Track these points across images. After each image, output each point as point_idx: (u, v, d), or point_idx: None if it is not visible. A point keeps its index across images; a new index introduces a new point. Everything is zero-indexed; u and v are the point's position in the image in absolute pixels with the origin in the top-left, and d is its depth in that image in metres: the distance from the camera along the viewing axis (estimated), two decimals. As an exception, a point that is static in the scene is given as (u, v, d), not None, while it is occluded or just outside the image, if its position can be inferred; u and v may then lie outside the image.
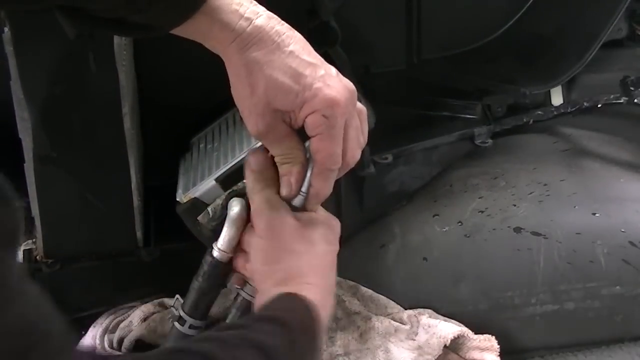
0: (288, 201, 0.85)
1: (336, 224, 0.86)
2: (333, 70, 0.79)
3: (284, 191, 0.83)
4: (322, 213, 0.87)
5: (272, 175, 0.85)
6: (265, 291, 0.81)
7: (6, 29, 0.89)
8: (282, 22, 0.78)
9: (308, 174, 0.83)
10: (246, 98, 0.78)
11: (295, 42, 0.77)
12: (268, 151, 0.86)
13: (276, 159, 0.83)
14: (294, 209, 0.86)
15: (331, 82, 0.77)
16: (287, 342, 0.70)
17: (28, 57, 0.91)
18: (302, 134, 0.81)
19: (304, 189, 0.83)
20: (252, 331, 0.70)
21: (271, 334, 0.70)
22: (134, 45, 0.97)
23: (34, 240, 1.08)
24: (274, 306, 0.77)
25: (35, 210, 1.02)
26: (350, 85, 0.79)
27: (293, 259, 0.82)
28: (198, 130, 1.12)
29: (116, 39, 0.92)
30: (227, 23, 0.75)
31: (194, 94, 1.13)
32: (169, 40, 0.97)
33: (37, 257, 1.07)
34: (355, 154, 0.83)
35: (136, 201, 1.04)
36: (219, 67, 1.02)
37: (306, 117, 0.77)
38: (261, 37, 0.76)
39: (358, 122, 0.82)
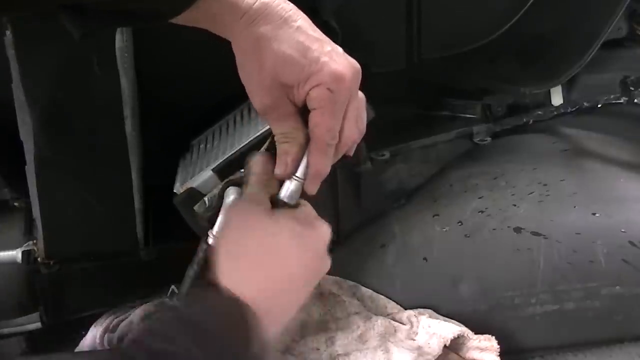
0: (281, 191, 0.85)
1: (321, 232, 0.83)
2: (338, 48, 0.80)
3: (278, 170, 0.83)
4: (311, 214, 0.86)
5: (272, 181, 0.85)
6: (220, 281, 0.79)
7: (8, 32, 0.89)
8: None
9: (305, 158, 0.83)
10: (254, 73, 0.79)
11: (302, 19, 0.78)
12: (269, 156, 0.86)
13: (276, 138, 0.83)
14: (289, 204, 0.86)
15: (337, 58, 0.78)
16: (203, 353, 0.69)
17: (30, 61, 0.91)
18: (305, 118, 0.82)
19: (299, 173, 0.84)
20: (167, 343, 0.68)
21: (187, 345, 0.68)
22: (134, 46, 0.97)
23: (34, 241, 1.08)
24: (205, 307, 0.75)
25: (36, 212, 1.02)
26: (355, 63, 0.80)
27: (253, 260, 0.80)
28: (198, 131, 1.12)
29: (118, 43, 0.92)
30: (233, 2, 0.76)
31: (194, 95, 1.14)
32: (169, 40, 0.97)
33: (38, 259, 1.07)
34: (352, 134, 0.83)
35: (137, 203, 1.04)
36: (219, 68, 1.02)
37: (310, 89, 0.78)
38: (268, 13, 0.76)
39: (358, 103, 0.82)
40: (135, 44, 0.96)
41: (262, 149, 0.90)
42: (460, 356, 0.97)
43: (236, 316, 0.74)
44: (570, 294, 1.05)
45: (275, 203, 0.85)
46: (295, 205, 0.85)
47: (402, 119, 1.30)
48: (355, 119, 0.82)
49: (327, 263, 0.84)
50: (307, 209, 0.85)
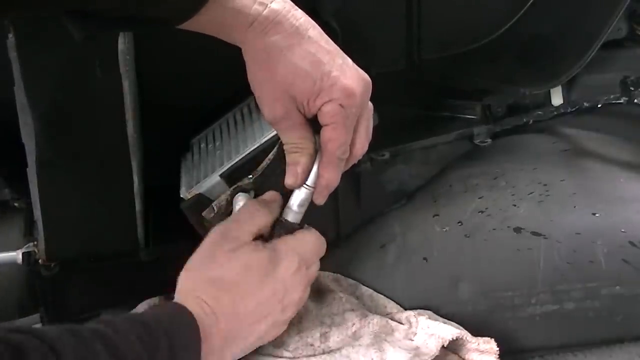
0: (291, 199, 0.86)
1: (307, 260, 0.86)
2: (349, 60, 0.80)
3: (289, 180, 0.84)
4: (307, 239, 0.87)
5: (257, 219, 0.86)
6: (179, 289, 0.82)
7: (10, 35, 0.89)
8: (296, 7, 0.78)
9: (315, 167, 0.83)
10: (264, 83, 0.79)
11: (313, 28, 0.78)
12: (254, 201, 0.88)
13: (286, 148, 0.83)
14: (296, 215, 0.86)
15: (349, 72, 0.78)
16: (143, 348, 0.69)
17: (31, 63, 0.91)
18: (314, 126, 0.82)
19: (309, 182, 0.84)
20: (111, 329, 0.69)
21: (129, 338, 0.69)
22: (134, 46, 0.97)
23: (34, 242, 1.08)
24: (154, 311, 0.78)
25: (37, 214, 1.02)
26: (366, 76, 0.80)
27: (220, 277, 0.82)
28: (197, 131, 1.12)
29: (120, 45, 0.92)
30: (240, 8, 0.75)
31: (194, 94, 1.14)
32: (168, 40, 0.97)
33: (38, 260, 1.07)
34: (363, 146, 0.83)
35: (138, 205, 1.04)
36: (219, 68, 1.02)
37: (322, 105, 0.78)
38: (279, 21, 0.76)
39: (368, 114, 0.82)
40: (135, 44, 0.96)
41: (270, 155, 0.90)
42: (460, 357, 0.97)
43: (182, 323, 0.75)
44: (570, 294, 1.05)
45: (278, 224, 0.86)
46: (297, 227, 0.87)
47: (402, 119, 1.30)
48: (365, 131, 0.82)
49: (291, 306, 0.86)
50: (307, 236, 0.86)
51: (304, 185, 0.85)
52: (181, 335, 0.74)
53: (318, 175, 0.84)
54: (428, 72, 1.30)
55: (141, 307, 1.08)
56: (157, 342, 0.70)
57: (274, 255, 0.85)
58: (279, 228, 0.89)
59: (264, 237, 0.90)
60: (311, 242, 0.90)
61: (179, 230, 0.99)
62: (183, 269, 0.86)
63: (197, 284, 0.82)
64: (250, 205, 0.89)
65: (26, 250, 1.08)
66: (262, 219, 0.87)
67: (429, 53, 1.28)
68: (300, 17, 0.78)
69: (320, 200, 0.86)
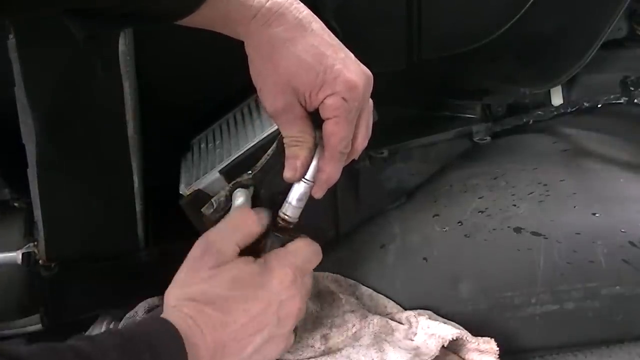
0: (289, 194, 0.86)
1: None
2: (351, 54, 0.80)
3: (288, 173, 0.84)
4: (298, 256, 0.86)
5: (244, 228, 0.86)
6: (165, 306, 0.81)
7: (10, 35, 0.89)
8: (299, 0, 0.78)
9: (314, 162, 0.83)
10: (267, 75, 0.79)
11: (315, 21, 0.79)
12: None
13: (286, 141, 0.83)
14: (295, 210, 0.86)
15: (352, 66, 0.79)
16: None
17: (32, 64, 0.91)
18: (314, 121, 0.82)
19: (308, 176, 0.84)
20: (90, 344, 0.69)
21: (108, 352, 0.68)
22: (135, 47, 0.97)
23: (34, 243, 1.08)
24: (141, 327, 0.77)
25: (37, 214, 1.02)
26: (367, 71, 0.80)
27: (204, 292, 0.81)
28: (197, 131, 1.12)
29: (121, 46, 0.92)
30: (243, 1, 0.75)
31: (194, 95, 1.14)
32: (169, 41, 0.98)
33: (39, 260, 1.08)
34: (364, 141, 0.83)
35: (138, 205, 1.04)
36: (219, 69, 1.02)
37: (325, 98, 0.78)
38: (282, 13, 0.76)
39: (369, 109, 0.83)
40: (135, 45, 0.96)
41: (269, 151, 0.90)
42: (460, 357, 0.97)
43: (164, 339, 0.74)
44: (570, 294, 1.05)
45: (270, 236, 0.85)
46: (292, 229, 0.86)
47: (402, 118, 1.30)
48: (366, 126, 0.82)
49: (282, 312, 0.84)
50: (300, 246, 0.86)
51: (303, 179, 0.85)
52: (164, 348, 0.72)
53: (318, 170, 0.84)
54: (428, 72, 1.30)
55: (141, 307, 1.08)
56: (139, 356, 0.70)
57: (265, 269, 0.84)
58: (271, 241, 0.89)
59: (255, 250, 0.88)
60: (305, 252, 0.88)
61: (179, 230, 0.99)
62: (169, 286, 0.86)
63: (180, 300, 0.81)
64: (235, 216, 0.88)
65: (26, 251, 1.09)
66: (247, 229, 0.86)
67: (429, 53, 1.28)
68: (303, 11, 0.78)
69: (319, 194, 0.86)
